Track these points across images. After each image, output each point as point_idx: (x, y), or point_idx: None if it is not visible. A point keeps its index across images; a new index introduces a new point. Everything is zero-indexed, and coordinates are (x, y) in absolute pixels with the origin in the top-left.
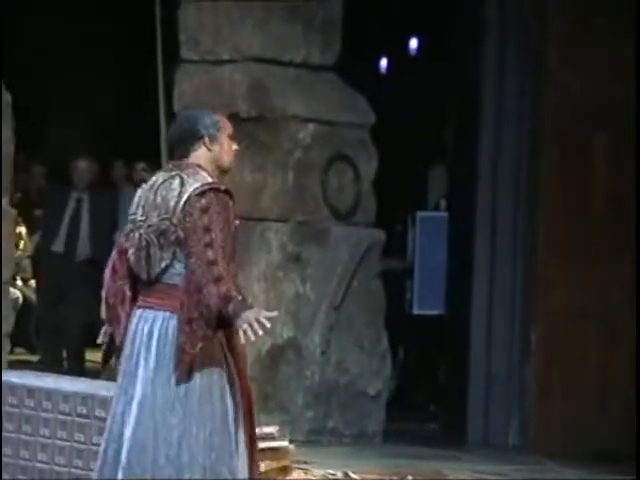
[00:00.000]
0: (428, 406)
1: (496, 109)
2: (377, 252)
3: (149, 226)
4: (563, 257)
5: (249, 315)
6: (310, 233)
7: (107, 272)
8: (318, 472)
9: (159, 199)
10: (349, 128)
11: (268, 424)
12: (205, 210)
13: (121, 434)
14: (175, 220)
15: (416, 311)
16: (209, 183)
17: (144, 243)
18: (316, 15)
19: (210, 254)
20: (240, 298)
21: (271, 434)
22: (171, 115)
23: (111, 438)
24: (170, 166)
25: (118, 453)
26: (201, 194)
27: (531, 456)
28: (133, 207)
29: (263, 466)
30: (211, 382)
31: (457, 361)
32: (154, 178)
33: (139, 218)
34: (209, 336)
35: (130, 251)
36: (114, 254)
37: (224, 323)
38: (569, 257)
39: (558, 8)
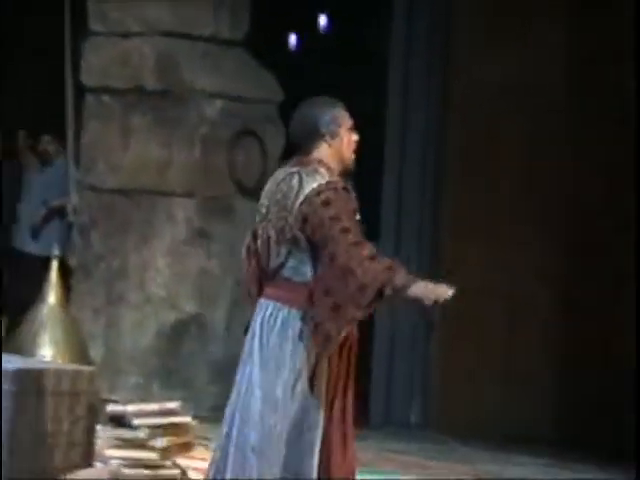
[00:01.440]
0: None
1: (403, 93)
2: None
3: (270, 221)
4: (469, 237)
5: (422, 285)
6: (216, 208)
7: (243, 252)
8: None
9: (279, 195)
10: (257, 104)
11: (171, 399)
12: (327, 203)
13: (232, 415)
14: (291, 219)
15: None
16: (326, 182)
17: (266, 237)
18: None
19: (350, 237)
20: (404, 270)
21: (173, 409)
22: (78, 87)
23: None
24: (293, 161)
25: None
26: (318, 193)
27: (434, 434)
28: (262, 198)
29: (165, 442)
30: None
31: (360, 340)
32: (277, 172)
33: (263, 210)
34: (357, 317)
35: (258, 241)
36: (248, 237)
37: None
38: (475, 238)
39: None
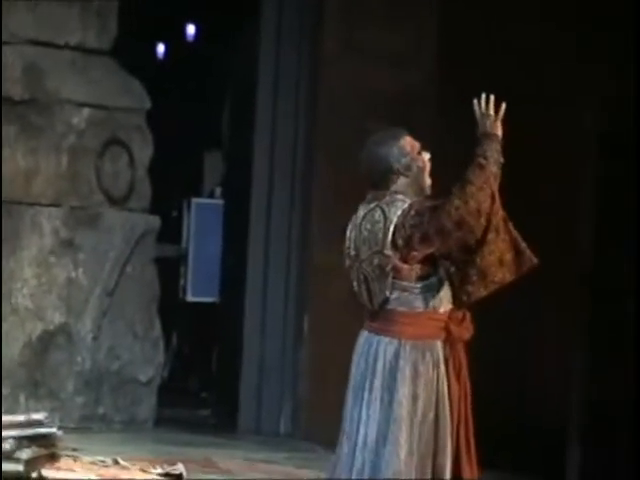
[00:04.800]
0: (201, 393)
1: (273, 97)
2: (151, 238)
3: (362, 260)
4: (338, 246)
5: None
6: (83, 218)
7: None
8: (87, 459)
9: (365, 233)
10: (124, 113)
11: (37, 410)
12: (421, 214)
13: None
14: (387, 251)
15: (190, 298)
16: (409, 204)
17: (362, 277)
18: None
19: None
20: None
21: (40, 420)
22: None
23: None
24: (369, 197)
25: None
26: (404, 215)
27: (303, 443)
28: (346, 242)
29: (30, 453)
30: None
31: (230, 348)
32: (357, 212)
33: (352, 253)
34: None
35: (353, 284)
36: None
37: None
38: (343, 244)
39: None
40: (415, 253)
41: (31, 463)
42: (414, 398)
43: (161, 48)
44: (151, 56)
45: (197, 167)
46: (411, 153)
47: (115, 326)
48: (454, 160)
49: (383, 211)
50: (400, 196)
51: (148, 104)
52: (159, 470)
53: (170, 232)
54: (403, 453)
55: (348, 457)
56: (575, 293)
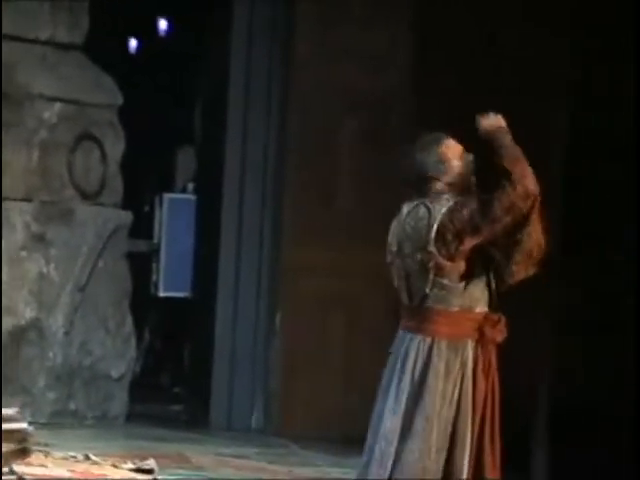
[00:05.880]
0: (173, 388)
1: (244, 93)
2: (123, 233)
3: (405, 256)
4: (310, 242)
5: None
6: (55, 213)
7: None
8: (59, 454)
9: (409, 229)
10: (96, 108)
11: (8, 406)
12: (470, 207)
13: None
14: (430, 247)
15: (162, 293)
16: (455, 202)
17: (403, 274)
18: None
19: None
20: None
21: (11, 416)
22: None
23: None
24: (415, 198)
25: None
26: (451, 211)
27: (274, 438)
28: (389, 238)
29: (4, 448)
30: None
31: (202, 344)
32: (402, 210)
33: (394, 249)
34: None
35: (394, 280)
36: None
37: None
38: (316, 243)
39: None
40: (462, 247)
41: (2, 458)
42: (443, 396)
43: (133, 43)
44: (123, 51)
45: (169, 162)
46: (451, 159)
47: (87, 321)
48: None
49: (428, 208)
50: (445, 195)
51: (120, 99)
52: (131, 465)
53: (142, 227)
54: (433, 450)
55: (369, 450)
56: (543, 289)
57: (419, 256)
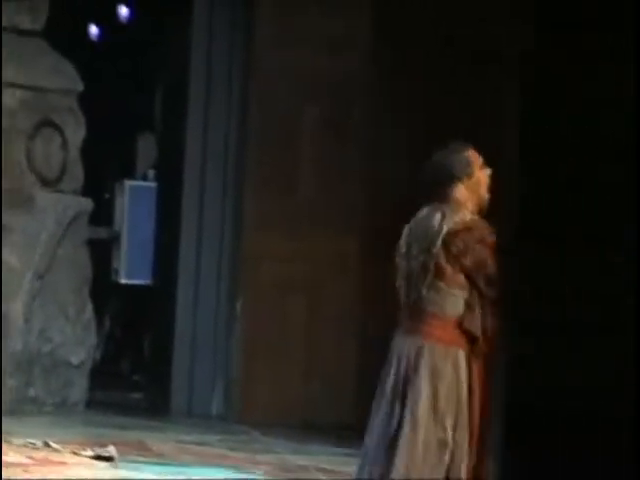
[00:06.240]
0: (133, 376)
1: (205, 81)
2: (84, 220)
3: (410, 258)
4: (271, 229)
5: None
6: (15, 200)
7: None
8: (18, 442)
9: (420, 231)
10: (57, 94)
11: None
12: (464, 253)
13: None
14: (435, 249)
15: (123, 280)
16: (464, 222)
17: (405, 274)
18: None
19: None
20: None
21: None
22: None
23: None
24: (432, 203)
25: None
26: (455, 234)
27: (235, 425)
28: (401, 239)
29: None
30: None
31: (163, 331)
32: (420, 212)
33: (403, 250)
34: None
35: (397, 281)
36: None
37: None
38: (277, 230)
39: None
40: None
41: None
42: (433, 398)
43: (94, 30)
44: (84, 38)
45: (130, 149)
46: (476, 166)
47: (47, 309)
48: (395, 142)
49: (443, 214)
50: (464, 210)
51: (80, 86)
52: (90, 452)
53: (103, 214)
54: (419, 450)
55: (364, 450)
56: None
57: (422, 257)
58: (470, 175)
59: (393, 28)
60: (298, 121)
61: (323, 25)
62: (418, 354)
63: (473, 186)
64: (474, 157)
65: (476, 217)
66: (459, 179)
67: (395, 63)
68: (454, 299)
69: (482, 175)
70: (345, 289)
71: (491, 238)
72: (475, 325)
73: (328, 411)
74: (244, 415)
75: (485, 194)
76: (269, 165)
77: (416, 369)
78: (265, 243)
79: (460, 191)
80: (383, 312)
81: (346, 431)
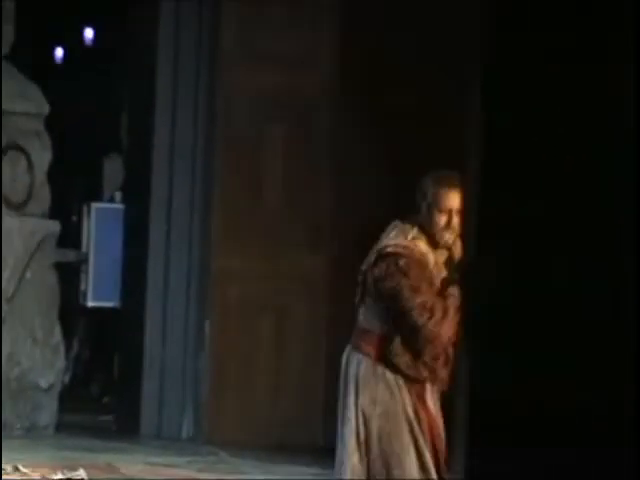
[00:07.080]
0: (102, 398)
1: (172, 101)
2: (51, 243)
3: (361, 267)
4: (239, 250)
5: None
6: None
7: None
8: None
9: (377, 244)
10: (23, 117)
11: None
12: (381, 279)
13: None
14: (364, 267)
15: (91, 303)
16: (401, 245)
17: (359, 282)
18: None
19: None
20: None
21: None
22: None
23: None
24: (406, 219)
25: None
26: (385, 256)
27: (204, 447)
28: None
29: None
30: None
31: (132, 353)
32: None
33: (365, 262)
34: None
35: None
36: None
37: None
38: (245, 250)
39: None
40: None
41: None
42: (371, 404)
43: (59, 52)
44: (49, 60)
45: (97, 172)
46: (437, 194)
47: (15, 332)
48: (356, 159)
49: (397, 233)
50: (406, 228)
51: (46, 108)
52: (60, 476)
53: (70, 237)
54: (355, 456)
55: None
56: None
57: (362, 269)
58: (423, 196)
59: (358, 43)
60: (264, 136)
61: (287, 39)
62: (348, 365)
63: (425, 212)
64: (444, 193)
65: (420, 242)
66: (424, 200)
67: (361, 78)
68: (379, 315)
69: (438, 214)
70: (314, 308)
71: (419, 268)
72: (398, 356)
73: (298, 432)
74: (213, 436)
75: (442, 234)
76: (236, 183)
77: (354, 377)
78: (233, 263)
79: (421, 213)
80: (353, 330)
81: (316, 452)
